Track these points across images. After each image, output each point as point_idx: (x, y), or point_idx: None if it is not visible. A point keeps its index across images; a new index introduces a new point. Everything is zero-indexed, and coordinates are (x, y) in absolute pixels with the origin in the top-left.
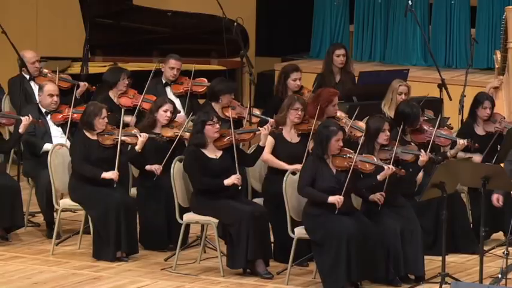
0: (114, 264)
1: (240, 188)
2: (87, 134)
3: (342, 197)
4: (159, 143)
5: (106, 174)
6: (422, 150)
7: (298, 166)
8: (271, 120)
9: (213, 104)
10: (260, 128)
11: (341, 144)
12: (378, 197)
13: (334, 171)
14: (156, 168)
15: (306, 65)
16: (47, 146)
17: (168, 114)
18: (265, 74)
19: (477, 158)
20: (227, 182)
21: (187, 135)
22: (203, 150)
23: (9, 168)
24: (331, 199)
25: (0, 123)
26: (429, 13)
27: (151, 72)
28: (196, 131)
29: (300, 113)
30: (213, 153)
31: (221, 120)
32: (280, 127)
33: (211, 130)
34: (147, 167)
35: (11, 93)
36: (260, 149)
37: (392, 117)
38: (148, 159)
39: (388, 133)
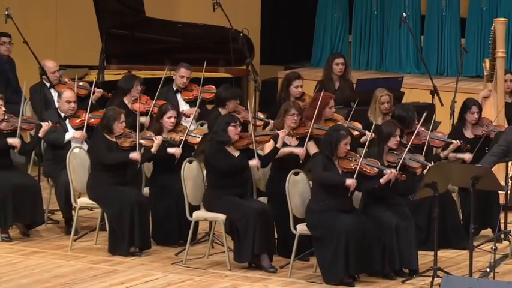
0: (128, 258)
1: (258, 169)
2: (106, 135)
3: (355, 181)
4: (171, 145)
5: (132, 155)
6: (432, 163)
7: (303, 150)
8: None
9: (219, 109)
10: (278, 131)
11: (348, 147)
12: (392, 174)
13: (340, 171)
14: (177, 151)
15: (307, 72)
16: (68, 135)
17: (173, 120)
18: (268, 81)
19: (467, 156)
20: (252, 162)
21: (193, 139)
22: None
23: (30, 169)
24: (348, 182)
25: (21, 128)
26: (422, 24)
27: (162, 80)
28: (221, 129)
29: (295, 118)
30: (232, 152)
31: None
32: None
33: (233, 131)
34: (169, 150)
35: (32, 99)
36: (276, 150)
37: (377, 124)
38: (161, 160)
39: (399, 138)
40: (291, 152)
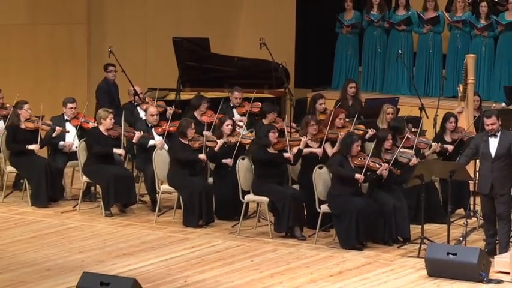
0: (197, 229)
1: (292, 162)
2: (181, 140)
3: (362, 176)
4: (228, 147)
5: (201, 156)
6: (415, 157)
7: (320, 150)
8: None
9: (263, 120)
10: (301, 138)
11: (359, 148)
12: (384, 167)
13: (353, 166)
14: (229, 161)
15: (328, 93)
16: (151, 142)
17: (230, 127)
18: (300, 100)
19: (450, 147)
20: (286, 154)
21: (246, 140)
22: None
23: (126, 164)
24: (357, 176)
25: (124, 135)
26: (413, 58)
27: (222, 99)
28: (263, 135)
29: (315, 127)
30: (272, 152)
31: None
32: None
33: (273, 136)
34: (223, 161)
35: (125, 114)
36: (300, 151)
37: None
38: (221, 157)
39: (391, 141)
40: (312, 151)
